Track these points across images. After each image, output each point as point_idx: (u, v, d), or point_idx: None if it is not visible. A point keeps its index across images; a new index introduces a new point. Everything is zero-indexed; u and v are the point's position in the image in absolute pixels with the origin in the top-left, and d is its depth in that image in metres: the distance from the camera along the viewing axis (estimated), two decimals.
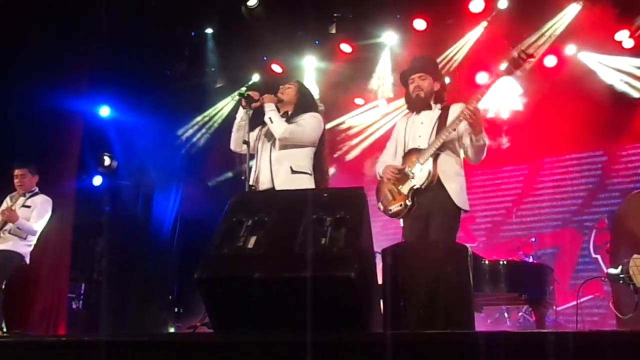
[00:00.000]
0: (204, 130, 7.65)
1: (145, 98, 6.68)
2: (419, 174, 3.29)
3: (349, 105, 7.45)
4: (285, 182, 3.45)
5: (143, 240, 7.23)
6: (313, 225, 1.87)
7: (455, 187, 3.28)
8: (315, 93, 7.12)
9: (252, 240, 1.89)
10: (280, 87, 3.79)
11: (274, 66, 6.98)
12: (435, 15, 6.21)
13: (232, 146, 3.75)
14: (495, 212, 7.12)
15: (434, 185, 3.27)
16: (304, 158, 3.57)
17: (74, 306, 6.31)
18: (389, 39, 6.65)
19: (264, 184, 3.54)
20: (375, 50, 6.87)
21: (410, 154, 3.41)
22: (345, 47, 6.75)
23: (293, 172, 3.50)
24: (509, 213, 6.93)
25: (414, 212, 3.28)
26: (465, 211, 3.34)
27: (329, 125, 6.91)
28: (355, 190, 2.04)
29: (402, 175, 3.37)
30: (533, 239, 5.85)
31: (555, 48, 6.27)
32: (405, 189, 3.32)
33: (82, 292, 6.51)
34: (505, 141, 6.97)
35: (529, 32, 6.29)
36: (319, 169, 3.63)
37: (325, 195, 2.04)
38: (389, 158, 3.57)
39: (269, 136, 3.65)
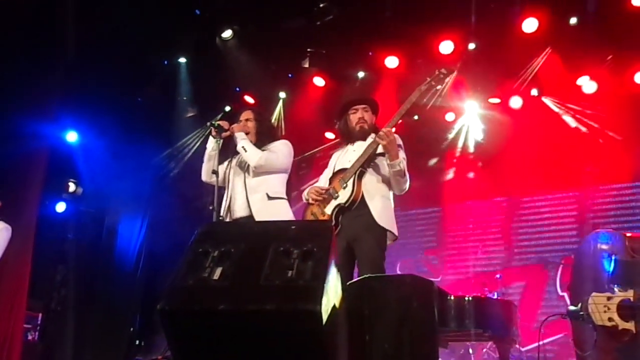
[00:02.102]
0: (174, 160, 7.58)
1: (114, 124, 6.59)
2: (343, 192, 3.28)
3: (320, 139, 7.51)
4: (262, 208, 3.46)
5: (106, 269, 7.02)
6: (280, 257, 1.86)
7: (378, 205, 3.22)
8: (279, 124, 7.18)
9: (218, 271, 1.86)
10: (240, 119, 3.79)
11: (247, 97, 7.02)
12: (407, 54, 6.38)
13: (203, 176, 3.75)
14: (461, 248, 7.19)
15: (358, 204, 3.23)
16: (278, 184, 3.60)
17: (29, 337, 6.04)
18: (361, 75, 6.79)
19: (237, 212, 3.53)
20: (347, 85, 6.99)
21: (337, 174, 3.43)
22: (318, 81, 6.85)
23: (270, 198, 3.51)
24: (474, 248, 7.02)
25: (339, 234, 3.20)
26: (393, 234, 3.23)
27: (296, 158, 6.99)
28: (323, 223, 2.05)
29: (327, 196, 3.37)
30: (498, 276, 5.92)
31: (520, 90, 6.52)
32: (329, 209, 3.31)
33: (39, 322, 6.24)
34: (471, 176, 7.13)
35: (498, 74, 6.52)
36: (288, 194, 3.67)
37: (292, 227, 2.04)
38: (320, 184, 3.59)
39: (242, 165, 3.66)
